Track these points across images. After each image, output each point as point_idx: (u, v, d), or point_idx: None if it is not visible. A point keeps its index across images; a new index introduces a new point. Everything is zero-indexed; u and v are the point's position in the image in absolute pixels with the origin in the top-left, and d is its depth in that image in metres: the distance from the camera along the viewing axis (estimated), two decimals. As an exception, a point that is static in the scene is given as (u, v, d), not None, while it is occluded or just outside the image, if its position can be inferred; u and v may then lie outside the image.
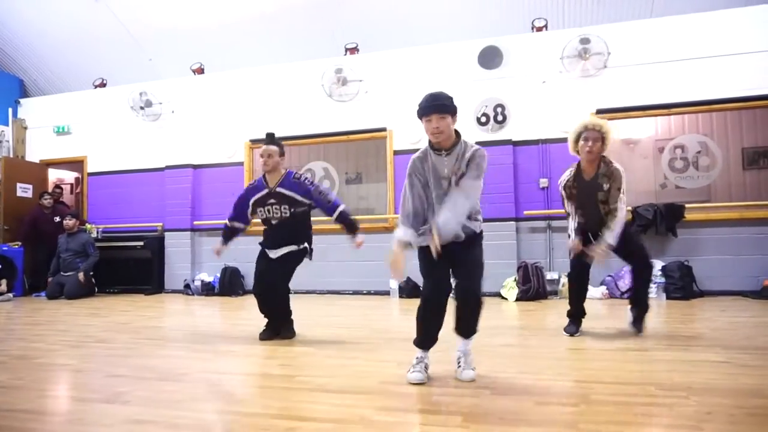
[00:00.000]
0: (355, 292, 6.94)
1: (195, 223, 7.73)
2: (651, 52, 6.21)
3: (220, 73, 7.92)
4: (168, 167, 7.90)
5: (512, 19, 7.08)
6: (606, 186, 3.60)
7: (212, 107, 7.83)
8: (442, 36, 7.27)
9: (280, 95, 7.50)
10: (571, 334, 3.74)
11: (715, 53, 6.06)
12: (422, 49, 7.03)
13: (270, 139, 3.81)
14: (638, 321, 3.79)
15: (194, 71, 8.10)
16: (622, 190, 3.58)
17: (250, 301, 6.67)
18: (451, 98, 2.57)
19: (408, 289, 6.44)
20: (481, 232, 2.71)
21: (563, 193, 3.84)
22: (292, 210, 3.75)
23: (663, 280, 5.74)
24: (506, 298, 6.05)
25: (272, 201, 3.76)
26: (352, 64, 7.10)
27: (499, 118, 6.59)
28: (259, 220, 3.90)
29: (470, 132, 6.71)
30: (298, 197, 3.74)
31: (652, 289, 5.89)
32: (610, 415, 2.08)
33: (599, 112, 6.20)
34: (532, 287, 5.94)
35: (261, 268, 3.85)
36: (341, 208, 3.78)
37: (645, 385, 2.51)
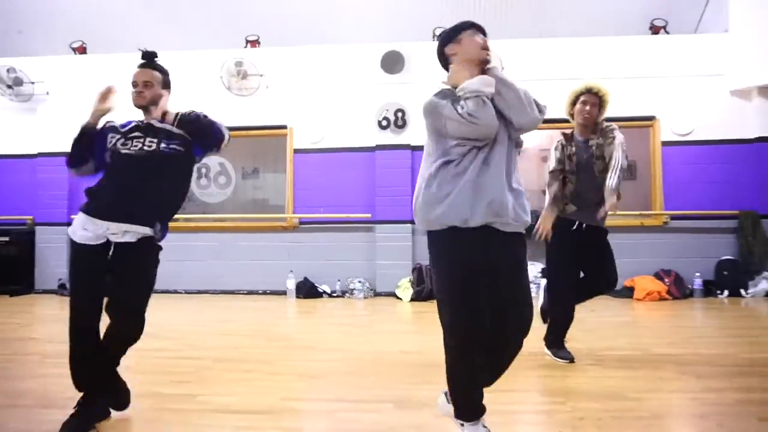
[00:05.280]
0: (250, 292, 6.78)
1: (72, 216, 7.04)
2: (538, 69, 6.70)
3: (106, 54, 7.27)
4: (41, 154, 7.14)
5: (414, 26, 7.25)
6: (604, 154, 3.29)
7: (96, 91, 7.16)
8: (346, 36, 7.28)
9: (175, 84, 7.02)
10: (572, 360, 3.28)
11: (592, 76, 6.66)
12: (326, 47, 6.99)
13: (149, 59, 2.56)
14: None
15: (75, 50, 7.38)
16: (617, 157, 3.20)
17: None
18: None
19: (306, 289, 6.42)
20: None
21: (556, 165, 3.37)
22: (162, 148, 2.40)
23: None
24: (401, 298, 6.27)
25: (137, 134, 2.45)
26: (253, 57, 6.88)
27: (399, 122, 6.77)
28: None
29: (370, 134, 6.84)
30: (181, 132, 2.46)
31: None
32: (498, 427, 2.26)
33: (492, 123, 6.59)
34: (425, 288, 6.20)
35: (90, 278, 2.25)
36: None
37: (529, 392, 2.76)
